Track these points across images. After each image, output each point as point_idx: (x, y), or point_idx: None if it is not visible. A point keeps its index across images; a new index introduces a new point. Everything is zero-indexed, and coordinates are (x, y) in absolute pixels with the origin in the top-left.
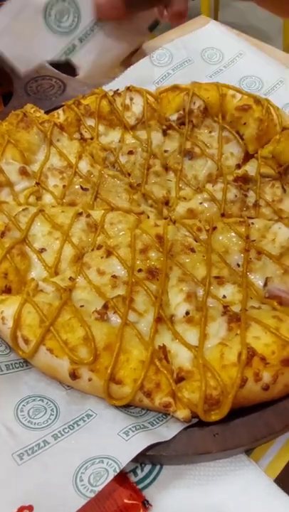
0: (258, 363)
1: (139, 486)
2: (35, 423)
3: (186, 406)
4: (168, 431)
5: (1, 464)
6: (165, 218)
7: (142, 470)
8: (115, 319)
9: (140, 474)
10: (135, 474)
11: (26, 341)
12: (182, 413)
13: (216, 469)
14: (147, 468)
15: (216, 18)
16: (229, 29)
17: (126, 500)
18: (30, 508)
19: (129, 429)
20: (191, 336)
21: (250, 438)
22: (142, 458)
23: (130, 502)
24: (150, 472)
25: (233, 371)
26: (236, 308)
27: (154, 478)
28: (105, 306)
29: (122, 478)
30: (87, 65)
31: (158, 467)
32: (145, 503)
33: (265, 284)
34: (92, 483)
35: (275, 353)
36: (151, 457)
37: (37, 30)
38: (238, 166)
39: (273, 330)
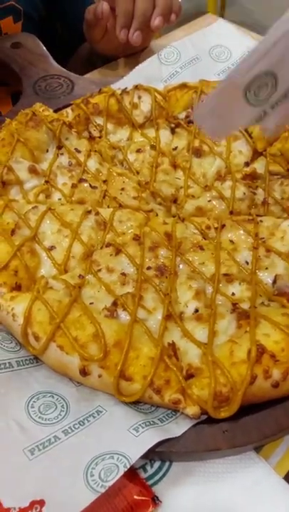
0: (267, 360)
1: (149, 483)
2: (45, 419)
3: (195, 403)
4: (177, 427)
5: (12, 459)
6: (174, 216)
7: (152, 466)
8: (124, 316)
9: (150, 471)
10: (145, 471)
11: (37, 338)
12: (192, 410)
13: (226, 466)
14: (157, 464)
15: (222, 16)
16: (237, 27)
17: (136, 497)
18: (42, 502)
19: (139, 425)
20: (200, 333)
21: (259, 435)
22: (152, 454)
23: (140, 498)
24: (160, 468)
25: (242, 368)
26: (245, 306)
27: (164, 475)
28: (114, 304)
29: (131, 474)
30: (271, 127)
31: (167, 464)
32: (155, 500)
33: (274, 282)
34: (103, 478)
35: (284, 350)
36: (160, 453)
37: (235, 104)
38: (247, 164)
39: (283, 327)
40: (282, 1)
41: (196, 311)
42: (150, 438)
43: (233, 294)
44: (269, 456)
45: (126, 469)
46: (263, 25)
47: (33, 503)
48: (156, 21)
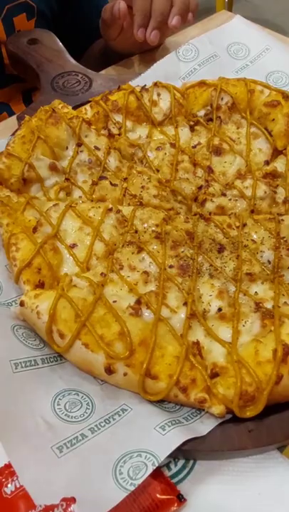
0: None
1: (173, 481)
2: (72, 416)
3: (221, 402)
4: (203, 426)
5: (41, 456)
6: (195, 215)
7: (176, 465)
8: (148, 315)
9: (174, 469)
10: (169, 469)
11: (62, 336)
12: (217, 409)
13: (250, 465)
14: (181, 463)
15: (230, 12)
16: (254, 24)
17: (159, 495)
18: (72, 499)
19: (165, 424)
20: (224, 332)
21: (284, 434)
22: (177, 453)
23: (165, 497)
24: (184, 467)
25: (268, 368)
26: (268, 305)
27: (188, 473)
28: (138, 302)
29: (156, 472)
30: None
31: (191, 462)
32: (180, 498)
33: None
34: (132, 476)
35: None
36: (185, 452)
37: None
38: (267, 163)
39: None
40: None
41: (220, 310)
42: (177, 437)
43: (256, 293)
44: None
45: (154, 467)
46: (271, 20)
47: (63, 500)
48: (174, 21)
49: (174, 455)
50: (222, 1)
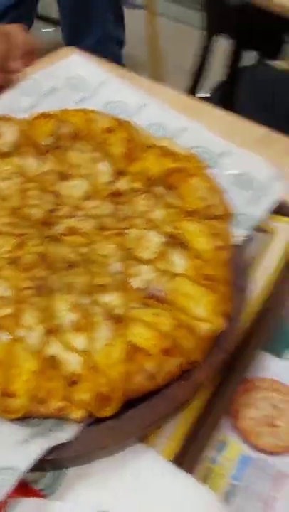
0: (140, 356)
1: (45, 492)
2: None
3: (79, 407)
4: (66, 434)
5: None
6: (46, 237)
7: (46, 477)
8: (5, 337)
9: (45, 482)
10: (39, 483)
11: None
12: (76, 414)
13: (116, 462)
14: (51, 474)
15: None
16: (91, 58)
17: None
18: None
19: (28, 438)
20: (80, 342)
21: (141, 425)
22: (44, 465)
23: None
24: (55, 478)
25: (119, 367)
26: (119, 311)
27: (60, 484)
28: None
29: (26, 489)
30: None
31: (62, 472)
32: None
33: (144, 287)
34: None
35: (155, 346)
36: (52, 462)
37: None
38: (111, 183)
39: (152, 325)
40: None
41: (74, 322)
42: (39, 447)
43: (107, 302)
44: (156, 445)
45: (16, 479)
46: (127, 54)
47: None
48: (15, 64)
49: (43, 468)
50: None
